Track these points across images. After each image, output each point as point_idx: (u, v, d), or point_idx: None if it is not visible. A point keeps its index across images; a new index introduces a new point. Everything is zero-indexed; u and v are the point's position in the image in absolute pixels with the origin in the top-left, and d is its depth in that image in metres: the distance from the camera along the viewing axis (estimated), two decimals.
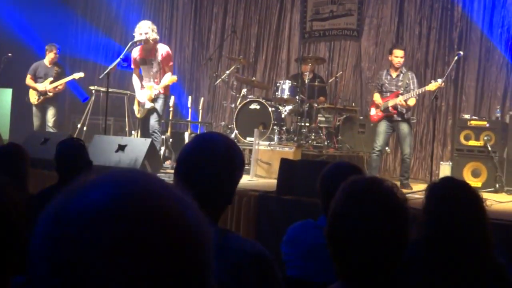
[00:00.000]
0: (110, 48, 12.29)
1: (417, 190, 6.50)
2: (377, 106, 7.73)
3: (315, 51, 10.43)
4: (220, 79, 9.41)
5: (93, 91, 10.14)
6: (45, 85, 9.45)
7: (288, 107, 8.74)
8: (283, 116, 8.75)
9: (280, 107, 8.74)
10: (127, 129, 10.15)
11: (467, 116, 8.02)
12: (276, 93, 8.78)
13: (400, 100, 7.44)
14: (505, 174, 7.54)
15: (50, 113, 9.54)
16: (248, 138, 8.35)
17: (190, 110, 9.65)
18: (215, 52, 11.06)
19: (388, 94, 7.66)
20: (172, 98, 8.86)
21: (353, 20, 10.15)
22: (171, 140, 8.71)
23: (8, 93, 10.87)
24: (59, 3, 12.22)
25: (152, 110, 7.53)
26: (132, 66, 7.88)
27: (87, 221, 0.68)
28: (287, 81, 8.83)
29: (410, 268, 2.15)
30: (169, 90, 7.83)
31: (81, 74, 9.61)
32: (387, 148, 8.49)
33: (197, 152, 1.92)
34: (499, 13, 8.79)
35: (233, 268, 1.70)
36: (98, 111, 9.89)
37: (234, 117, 8.74)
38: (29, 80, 9.57)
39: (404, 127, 7.56)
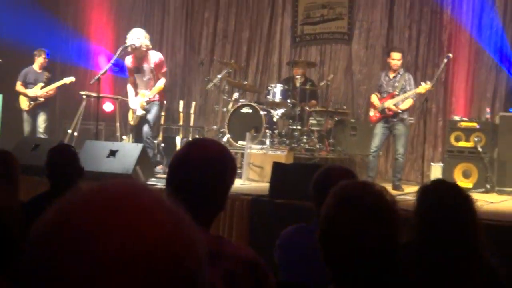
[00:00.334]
0: (101, 55, 12.24)
1: (408, 192, 6.53)
2: (375, 107, 7.79)
3: (306, 55, 10.45)
4: (211, 83, 9.40)
5: (84, 96, 10.11)
6: (36, 91, 9.41)
7: (280, 111, 8.75)
8: (275, 119, 8.75)
9: (272, 111, 8.74)
10: (118, 134, 10.13)
11: (457, 118, 8.07)
12: (268, 96, 8.78)
13: (389, 105, 7.52)
14: (496, 174, 7.60)
15: (41, 119, 9.50)
16: (240, 142, 8.35)
17: (181, 114, 9.64)
18: (206, 57, 11.06)
19: (385, 95, 7.74)
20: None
21: (344, 24, 10.19)
22: (162, 145, 8.69)
23: None
24: (48, 10, 12.17)
25: (145, 117, 7.53)
26: (128, 75, 7.90)
27: (76, 241, 0.68)
28: (279, 85, 8.84)
29: (402, 270, 2.16)
30: (164, 97, 7.83)
31: (72, 79, 9.58)
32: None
33: (189, 159, 1.92)
34: (488, 15, 8.84)
35: (227, 275, 1.70)
36: (89, 116, 9.86)
37: (226, 121, 8.73)
38: (19, 87, 9.53)
39: (400, 128, 7.61)
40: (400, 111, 7.58)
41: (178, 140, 8.97)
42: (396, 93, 7.59)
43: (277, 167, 5.82)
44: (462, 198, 2.40)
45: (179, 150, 2.03)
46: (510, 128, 7.71)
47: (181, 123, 9.63)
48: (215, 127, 9.81)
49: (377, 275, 1.62)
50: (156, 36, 11.67)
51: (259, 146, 7.98)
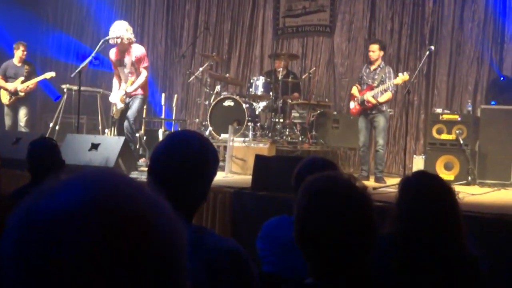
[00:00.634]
0: (81, 48, 12.14)
1: (390, 184, 6.56)
2: (354, 99, 7.83)
3: (288, 47, 10.44)
4: (193, 76, 9.37)
5: (65, 90, 10.03)
6: (16, 85, 9.31)
7: (262, 104, 8.76)
8: (257, 112, 8.76)
9: (254, 104, 8.74)
10: (100, 127, 10.06)
11: (439, 110, 8.12)
12: (250, 89, 8.78)
13: (367, 97, 7.57)
14: (477, 167, 7.66)
15: (22, 113, 9.41)
16: (223, 135, 8.34)
17: (163, 107, 9.61)
18: (188, 49, 11.02)
19: (365, 86, 7.78)
20: None
21: (326, 16, 10.20)
22: (144, 138, 8.65)
23: None
24: (28, 3, 12.04)
25: (127, 110, 7.48)
26: (113, 68, 7.85)
27: (55, 225, 0.67)
28: (261, 78, 8.85)
29: (383, 261, 2.17)
30: (147, 91, 7.76)
31: (53, 74, 9.48)
32: None
33: (170, 151, 1.90)
34: (470, 7, 8.90)
35: (209, 266, 1.69)
36: (71, 110, 9.79)
37: (208, 114, 8.72)
38: None
39: (379, 120, 7.65)
40: (379, 103, 7.61)
41: (160, 133, 8.93)
42: (375, 85, 7.63)
43: (260, 160, 5.82)
44: (443, 188, 2.41)
45: (160, 142, 2.02)
46: (491, 120, 7.77)
47: (163, 116, 9.59)
48: (197, 120, 9.79)
49: (356, 265, 1.62)
50: (137, 28, 11.60)
51: (242, 139, 7.98)
